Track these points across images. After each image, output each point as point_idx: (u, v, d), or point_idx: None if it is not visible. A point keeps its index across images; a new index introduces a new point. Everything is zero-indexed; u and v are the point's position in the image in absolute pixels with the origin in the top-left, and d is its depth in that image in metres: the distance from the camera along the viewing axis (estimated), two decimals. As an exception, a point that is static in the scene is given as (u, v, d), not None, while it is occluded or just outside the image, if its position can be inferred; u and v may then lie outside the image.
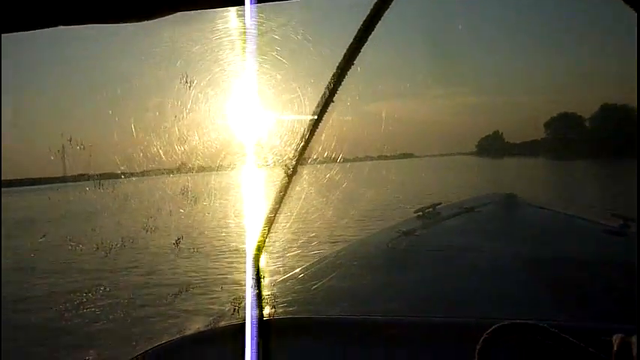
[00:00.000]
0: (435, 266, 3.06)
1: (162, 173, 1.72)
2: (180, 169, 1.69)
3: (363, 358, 1.55)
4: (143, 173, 1.69)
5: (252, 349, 1.49)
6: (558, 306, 2.26)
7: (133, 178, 1.71)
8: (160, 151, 1.54)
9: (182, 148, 1.58)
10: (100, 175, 1.75)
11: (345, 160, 1.87)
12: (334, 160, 1.85)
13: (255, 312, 1.89)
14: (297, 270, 2.91)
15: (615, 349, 1.24)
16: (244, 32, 1.12)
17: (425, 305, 2.28)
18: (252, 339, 1.52)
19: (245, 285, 2.12)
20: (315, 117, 1.63)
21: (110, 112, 1.49)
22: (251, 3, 0.90)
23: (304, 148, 1.77)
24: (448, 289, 2.52)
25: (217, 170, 1.81)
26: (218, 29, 1.15)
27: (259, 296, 2.15)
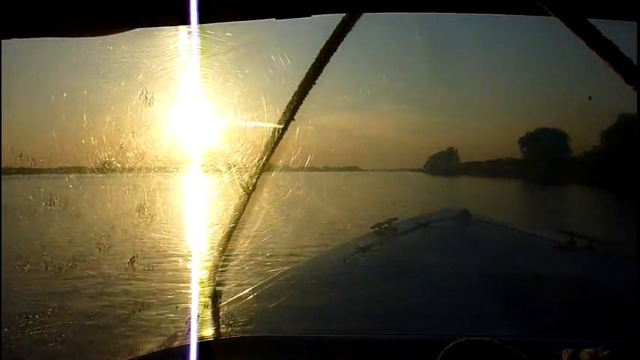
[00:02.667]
0: (391, 283, 3.09)
1: (119, 190, 1.69)
2: (137, 185, 1.66)
3: None
4: (98, 189, 1.65)
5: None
6: (511, 321, 2.32)
7: (86, 195, 1.67)
8: (118, 165, 1.50)
9: (139, 164, 1.55)
10: (52, 192, 1.70)
11: (289, 169, 1.88)
12: (287, 169, 1.86)
13: (209, 331, 1.86)
14: (254, 287, 2.88)
15: None
16: (196, 49, 1.13)
17: (381, 322, 2.29)
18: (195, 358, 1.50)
19: (203, 304, 2.09)
20: (276, 134, 1.65)
21: (65, 126, 1.45)
22: (202, 22, 0.91)
23: (263, 167, 1.78)
24: (404, 306, 2.54)
25: (175, 184, 1.79)
26: (177, 45, 1.14)
27: (215, 315, 2.12)
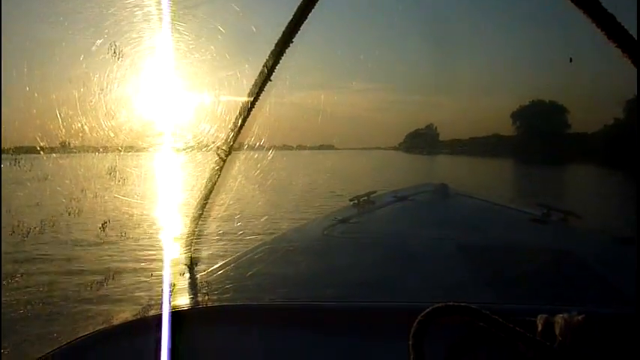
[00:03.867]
0: (370, 252, 3.10)
1: (87, 151, 1.63)
2: (107, 147, 1.60)
3: (297, 344, 1.54)
4: (65, 150, 1.58)
5: (168, 339, 1.45)
6: (487, 289, 2.35)
7: (54, 155, 1.60)
8: (85, 126, 1.44)
9: (109, 124, 1.49)
10: (16, 149, 1.62)
11: (262, 148, 1.84)
12: (260, 148, 1.82)
13: (185, 300, 1.84)
14: (232, 257, 2.86)
15: (540, 328, 1.30)
16: (172, 6, 1.07)
17: (360, 291, 2.30)
18: (168, 328, 1.48)
19: (178, 272, 2.06)
20: (250, 101, 1.60)
21: (28, 83, 1.37)
22: None
23: (238, 132, 1.73)
24: (382, 275, 2.55)
25: (148, 150, 1.73)
26: (144, 1, 1.08)
27: (192, 283, 2.10)
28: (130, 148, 1.66)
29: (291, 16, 1.37)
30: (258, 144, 1.91)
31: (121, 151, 1.63)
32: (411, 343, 1.22)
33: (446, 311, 1.26)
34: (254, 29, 1.39)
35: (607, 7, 0.96)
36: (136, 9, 1.12)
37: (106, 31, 1.17)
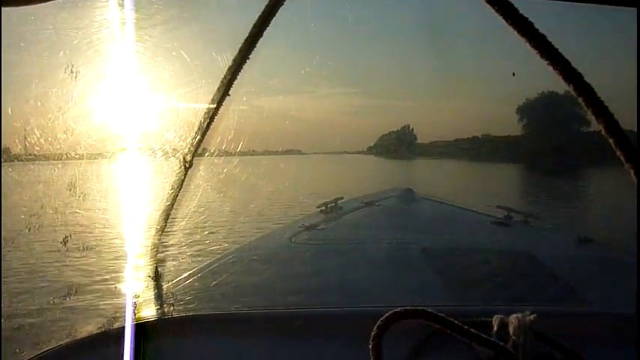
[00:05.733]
0: (335, 259, 3.15)
1: (48, 169, 1.63)
2: (66, 161, 1.61)
3: (263, 351, 1.57)
4: (24, 165, 1.58)
5: (131, 351, 1.46)
6: (448, 291, 2.42)
7: (10, 169, 1.60)
8: (42, 141, 1.45)
9: (68, 139, 1.49)
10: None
11: (226, 153, 1.87)
12: (225, 154, 1.85)
13: (150, 311, 1.85)
14: (198, 267, 2.87)
15: (495, 328, 1.37)
16: (127, 22, 1.10)
17: (325, 297, 2.34)
18: (131, 341, 1.49)
19: (143, 284, 2.06)
20: (211, 109, 1.63)
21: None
22: None
23: (200, 140, 1.76)
24: (346, 281, 2.60)
25: (106, 163, 1.74)
26: (105, 18, 1.11)
27: (157, 295, 2.10)
28: (91, 162, 1.67)
29: (251, 27, 1.41)
30: (222, 150, 1.93)
31: (80, 165, 1.64)
32: (370, 346, 1.27)
33: (404, 315, 1.32)
34: (213, 54, 1.43)
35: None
36: (92, 30, 1.14)
37: (63, 51, 1.19)
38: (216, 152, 1.95)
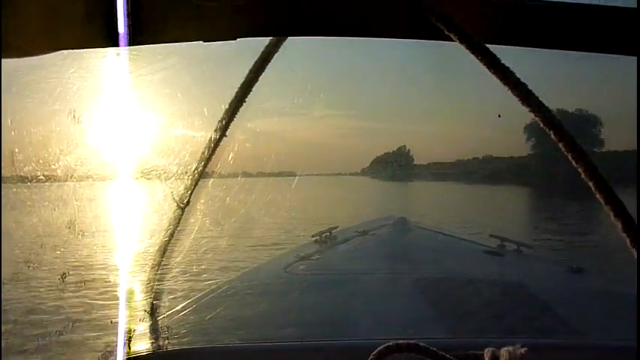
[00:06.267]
0: (331, 290, 3.16)
1: (48, 207, 1.67)
2: (67, 202, 1.65)
3: None
4: (25, 206, 1.62)
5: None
6: (440, 323, 2.44)
7: (13, 212, 1.64)
8: (46, 182, 1.49)
9: (68, 180, 1.54)
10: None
11: (221, 176, 1.91)
12: (219, 177, 1.89)
13: (144, 345, 1.86)
14: (192, 299, 2.87)
15: None
16: (125, 71, 1.16)
17: (319, 329, 2.35)
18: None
19: (138, 318, 2.07)
20: (208, 151, 1.68)
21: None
22: (131, 44, 0.95)
23: (197, 181, 1.81)
24: (342, 313, 2.62)
25: (107, 203, 1.78)
26: (106, 67, 1.17)
27: (152, 329, 2.11)
28: (90, 201, 1.71)
29: (247, 73, 1.47)
30: (218, 174, 1.97)
31: (80, 203, 1.68)
32: None
33: (396, 349, 1.35)
34: (211, 99, 1.48)
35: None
36: (95, 78, 1.20)
37: (66, 98, 1.25)
38: (214, 179, 1.99)
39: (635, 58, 1.05)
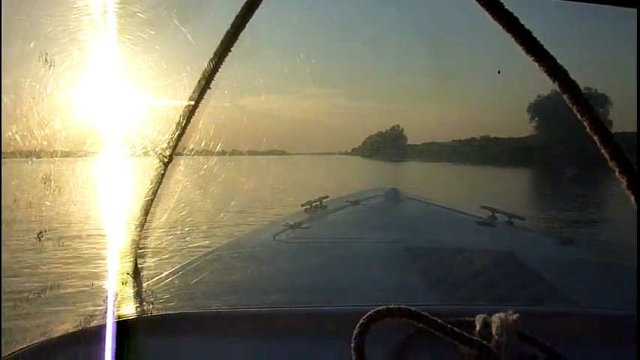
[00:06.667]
0: (319, 257, 3.13)
1: (20, 160, 1.59)
2: (41, 155, 1.56)
3: (245, 350, 1.56)
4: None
5: (112, 349, 1.43)
6: (432, 291, 2.42)
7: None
8: (17, 135, 1.40)
9: (42, 133, 1.45)
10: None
11: (209, 153, 1.84)
12: (206, 153, 1.82)
13: (129, 309, 1.81)
14: (180, 265, 2.83)
15: (478, 328, 1.37)
16: (106, 11, 1.06)
17: (308, 296, 2.32)
18: (112, 339, 1.45)
19: (122, 281, 2.02)
20: (191, 104, 1.60)
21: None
22: None
23: (180, 135, 1.73)
24: (329, 279, 2.59)
25: (83, 157, 1.69)
26: (79, 6, 1.07)
27: (136, 293, 2.07)
28: (67, 156, 1.63)
29: (233, 19, 1.38)
30: (204, 149, 1.91)
31: (56, 158, 1.59)
32: (352, 345, 1.26)
33: (387, 313, 1.32)
34: (195, 47, 1.39)
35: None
36: (65, 20, 1.11)
37: (38, 39, 1.15)
38: (198, 149, 1.92)
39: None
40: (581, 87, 1.00)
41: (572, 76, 0.97)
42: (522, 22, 1.01)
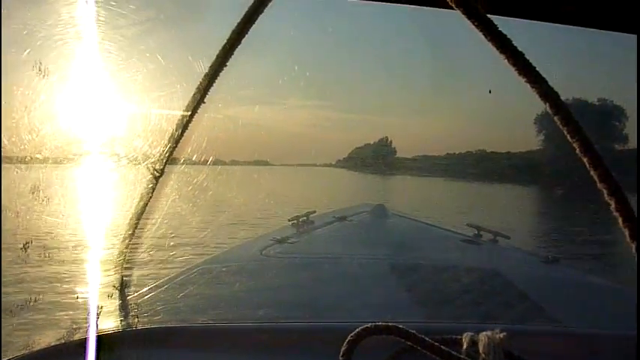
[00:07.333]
0: (307, 273, 3.12)
1: (10, 170, 1.57)
2: (30, 163, 1.55)
3: None
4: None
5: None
6: (419, 308, 2.42)
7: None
8: (5, 141, 1.39)
9: (32, 138, 1.44)
10: None
11: (199, 163, 1.84)
12: (195, 164, 1.81)
13: (113, 323, 1.79)
14: (166, 278, 2.80)
15: (465, 346, 1.37)
16: (102, 23, 1.07)
17: (295, 311, 2.31)
18: (94, 352, 1.43)
19: (107, 294, 1.99)
20: (186, 117, 1.60)
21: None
22: None
23: (173, 148, 1.72)
24: (316, 295, 2.58)
25: (75, 167, 1.68)
26: (75, 17, 1.07)
27: (121, 306, 2.04)
28: (56, 166, 1.61)
29: (230, 34, 1.39)
30: (192, 159, 1.90)
31: (45, 168, 1.57)
32: None
33: (375, 331, 1.31)
34: (190, 59, 1.40)
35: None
36: (62, 28, 1.10)
37: (33, 47, 1.15)
38: (187, 161, 1.91)
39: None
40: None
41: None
42: (515, 44, 1.02)
